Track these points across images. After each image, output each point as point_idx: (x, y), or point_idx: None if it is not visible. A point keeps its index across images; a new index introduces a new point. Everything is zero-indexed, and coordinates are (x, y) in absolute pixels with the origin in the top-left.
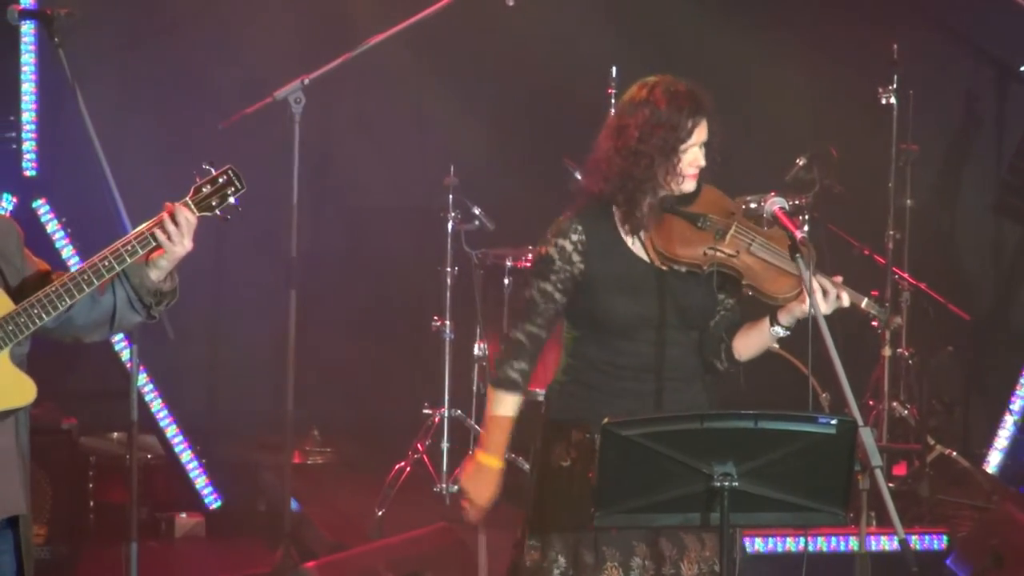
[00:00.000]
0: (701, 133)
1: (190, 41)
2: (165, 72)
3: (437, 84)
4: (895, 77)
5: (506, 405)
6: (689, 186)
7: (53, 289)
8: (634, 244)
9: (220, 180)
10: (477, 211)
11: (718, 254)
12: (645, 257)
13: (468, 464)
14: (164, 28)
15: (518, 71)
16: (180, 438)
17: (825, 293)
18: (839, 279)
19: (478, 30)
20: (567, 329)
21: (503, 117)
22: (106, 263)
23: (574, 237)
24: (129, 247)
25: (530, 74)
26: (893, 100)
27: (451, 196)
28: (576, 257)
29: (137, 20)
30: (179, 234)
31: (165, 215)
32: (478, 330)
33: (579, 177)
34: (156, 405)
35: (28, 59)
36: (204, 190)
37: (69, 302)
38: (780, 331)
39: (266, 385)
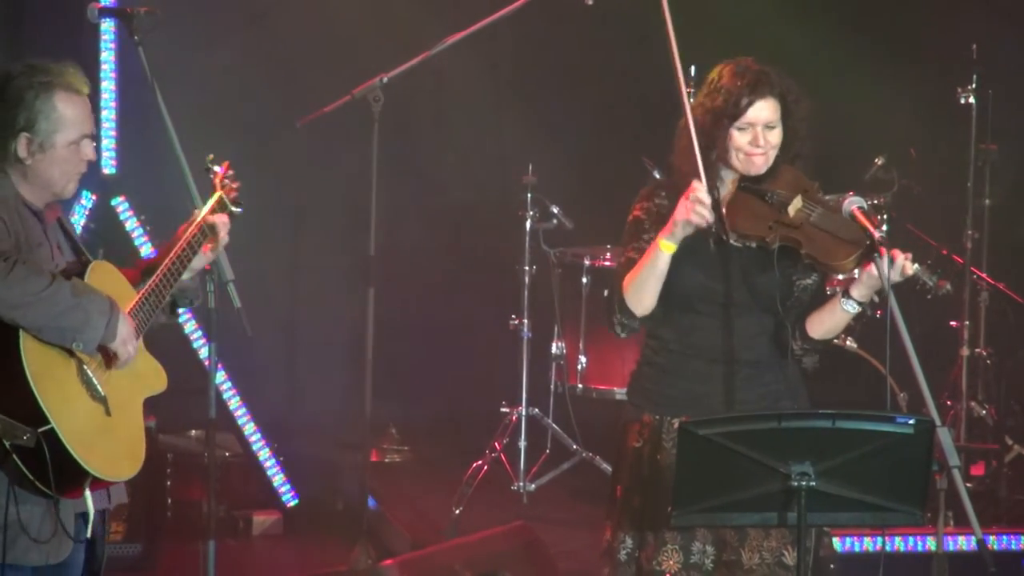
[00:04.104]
0: (762, 112)
1: (269, 38)
2: (244, 70)
3: (515, 82)
4: (974, 76)
5: (625, 279)
6: (755, 167)
7: (160, 278)
8: (712, 218)
9: (230, 174)
10: (555, 210)
11: (782, 226)
12: (721, 233)
13: (670, 238)
14: (243, 25)
15: (597, 69)
16: (258, 436)
17: (891, 261)
18: (909, 255)
19: (556, 28)
20: None
21: (581, 115)
22: (185, 254)
23: (657, 200)
24: (186, 252)
25: (609, 72)
26: (972, 100)
27: (529, 195)
28: (660, 219)
29: (215, 18)
30: (225, 239)
31: (217, 221)
32: (556, 329)
33: (657, 176)
34: (234, 403)
35: (108, 57)
36: (227, 183)
37: (176, 285)
38: (852, 305)
39: (344, 383)
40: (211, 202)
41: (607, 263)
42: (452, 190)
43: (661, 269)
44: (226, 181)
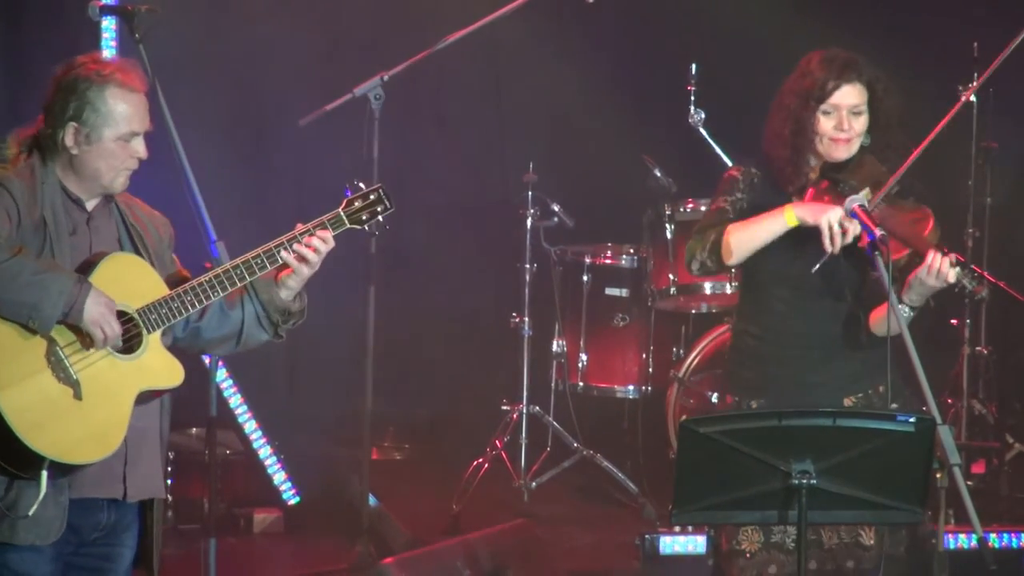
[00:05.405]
0: (848, 97)
1: (270, 36)
2: (245, 68)
3: (516, 81)
4: (975, 75)
5: (731, 227)
6: (837, 152)
7: (207, 279)
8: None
9: (371, 197)
10: (556, 208)
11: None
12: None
13: (804, 216)
14: (243, 24)
15: (597, 67)
16: (259, 434)
17: (938, 271)
18: (952, 257)
19: (557, 26)
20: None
21: (583, 113)
22: (257, 262)
23: (753, 170)
24: (258, 261)
25: (610, 70)
26: (973, 98)
27: (530, 193)
28: (751, 187)
29: (216, 15)
30: (316, 257)
31: (311, 236)
32: (556, 327)
33: (658, 174)
34: (235, 401)
35: (109, 55)
36: (356, 204)
37: (219, 295)
38: (905, 311)
39: (344, 381)
40: (321, 219)
41: (608, 261)
42: (453, 188)
43: (775, 231)
44: (357, 202)
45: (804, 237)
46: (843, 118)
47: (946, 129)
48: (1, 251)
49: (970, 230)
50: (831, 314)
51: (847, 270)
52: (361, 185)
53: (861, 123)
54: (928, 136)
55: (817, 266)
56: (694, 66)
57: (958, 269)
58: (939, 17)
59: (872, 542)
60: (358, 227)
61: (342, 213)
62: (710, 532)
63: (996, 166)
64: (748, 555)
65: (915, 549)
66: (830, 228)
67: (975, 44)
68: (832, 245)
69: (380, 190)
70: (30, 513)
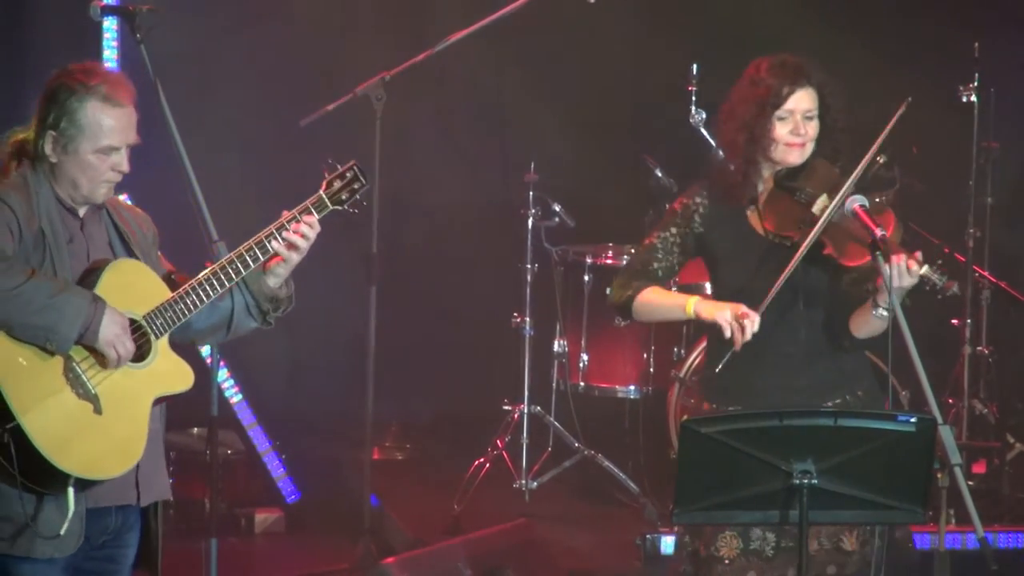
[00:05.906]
0: (802, 101)
1: (271, 36)
2: (246, 68)
3: (518, 81)
4: (976, 75)
5: (647, 291)
6: (793, 157)
7: (204, 277)
8: (752, 216)
9: (348, 175)
10: (557, 208)
11: (808, 225)
12: (760, 230)
13: (701, 312)
14: (245, 23)
15: (599, 68)
16: (260, 433)
17: (903, 272)
18: (918, 254)
19: (559, 27)
20: None
21: (584, 114)
22: (251, 254)
23: (697, 200)
24: (251, 253)
25: (611, 71)
26: (974, 98)
27: (531, 193)
28: (697, 219)
29: (218, 15)
30: (304, 243)
31: (298, 223)
32: (558, 327)
33: (659, 174)
34: (236, 400)
35: (110, 55)
36: (335, 184)
37: (219, 292)
38: (881, 313)
39: (346, 381)
40: (305, 203)
41: (609, 261)
42: (454, 188)
43: (675, 316)
44: (336, 182)
45: (765, 250)
46: (798, 123)
47: (945, 130)
48: (16, 275)
49: (971, 230)
50: (805, 321)
51: (815, 276)
52: (337, 165)
53: (814, 127)
54: (878, 139)
55: (719, 366)
56: (694, 66)
57: (926, 266)
58: (939, 18)
59: (854, 548)
60: (340, 208)
61: (323, 195)
62: (684, 537)
63: (997, 166)
64: (727, 561)
65: (891, 550)
66: (729, 325)
67: (976, 44)
68: (735, 341)
69: (355, 167)
70: (61, 532)
